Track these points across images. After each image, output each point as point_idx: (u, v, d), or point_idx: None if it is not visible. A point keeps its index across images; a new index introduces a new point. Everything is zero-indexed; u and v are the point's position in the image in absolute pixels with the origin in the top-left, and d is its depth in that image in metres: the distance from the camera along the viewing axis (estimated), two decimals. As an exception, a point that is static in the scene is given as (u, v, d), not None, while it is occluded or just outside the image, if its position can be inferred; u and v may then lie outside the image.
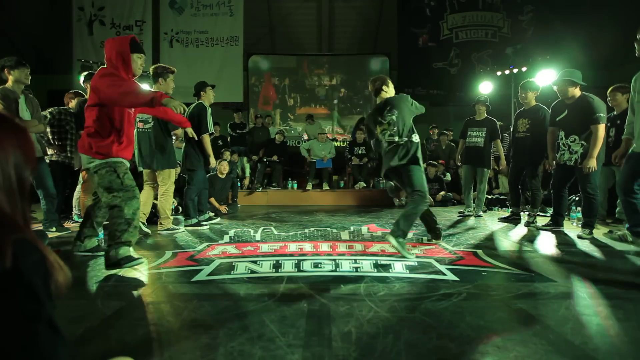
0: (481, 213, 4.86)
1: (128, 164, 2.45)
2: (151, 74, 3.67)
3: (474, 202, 5.07)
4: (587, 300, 1.73)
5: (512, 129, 4.58)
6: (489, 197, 5.86)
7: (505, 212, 5.22)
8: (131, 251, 2.29)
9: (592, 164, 3.18)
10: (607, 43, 8.25)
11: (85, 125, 2.36)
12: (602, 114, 3.19)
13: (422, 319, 1.50)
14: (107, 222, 2.47)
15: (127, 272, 2.23)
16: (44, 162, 3.78)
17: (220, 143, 7.53)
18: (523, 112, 4.25)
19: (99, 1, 8.85)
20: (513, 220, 4.40)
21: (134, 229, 2.30)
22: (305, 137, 8.91)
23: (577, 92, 3.39)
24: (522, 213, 4.54)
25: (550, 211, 5.01)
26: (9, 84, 3.41)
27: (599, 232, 3.46)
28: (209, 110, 4.05)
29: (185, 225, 3.98)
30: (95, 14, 8.86)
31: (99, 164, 2.29)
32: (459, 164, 5.37)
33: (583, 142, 3.31)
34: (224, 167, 5.36)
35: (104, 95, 2.23)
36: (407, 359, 1.20)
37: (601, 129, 3.17)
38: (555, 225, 3.77)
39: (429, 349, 1.25)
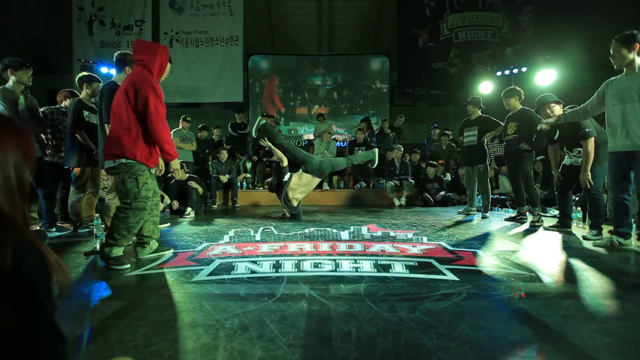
0: (488, 214, 4.81)
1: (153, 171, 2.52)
2: (116, 59, 3.00)
3: (479, 204, 5.08)
4: (587, 300, 1.73)
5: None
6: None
7: (506, 212, 5.25)
8: (122, 252, 2.43)
9: (588, 177, 3.29)
10: (607, 43, 8.23)
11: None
12: (588, 129, 3.31)
13: (422, 319, 1.49)
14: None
15: (127, 272, 2.25)
16: (44, 162, 3.77)
17: (221, 143, 7.55)
18: (511, 116, 4.48)
19: (98, 1, 8.86)
20: (519, 220, 4.43)
21: (131, 235, 2.43)
22: (311, 136, 8.99)
23: (557, 109, 3.56)
24: (528, 213, 4.54)
25: (551, 211, 5.03)
26: (10, 84, 3.41)
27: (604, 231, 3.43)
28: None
29: None
30: (95, 14, 8.86)
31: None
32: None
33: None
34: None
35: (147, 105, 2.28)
36: (407, 359, 1.20)
37: (590, 143, 3.30)
38: (562, 226, 3.78)
39: (429, 349, 1.25)
